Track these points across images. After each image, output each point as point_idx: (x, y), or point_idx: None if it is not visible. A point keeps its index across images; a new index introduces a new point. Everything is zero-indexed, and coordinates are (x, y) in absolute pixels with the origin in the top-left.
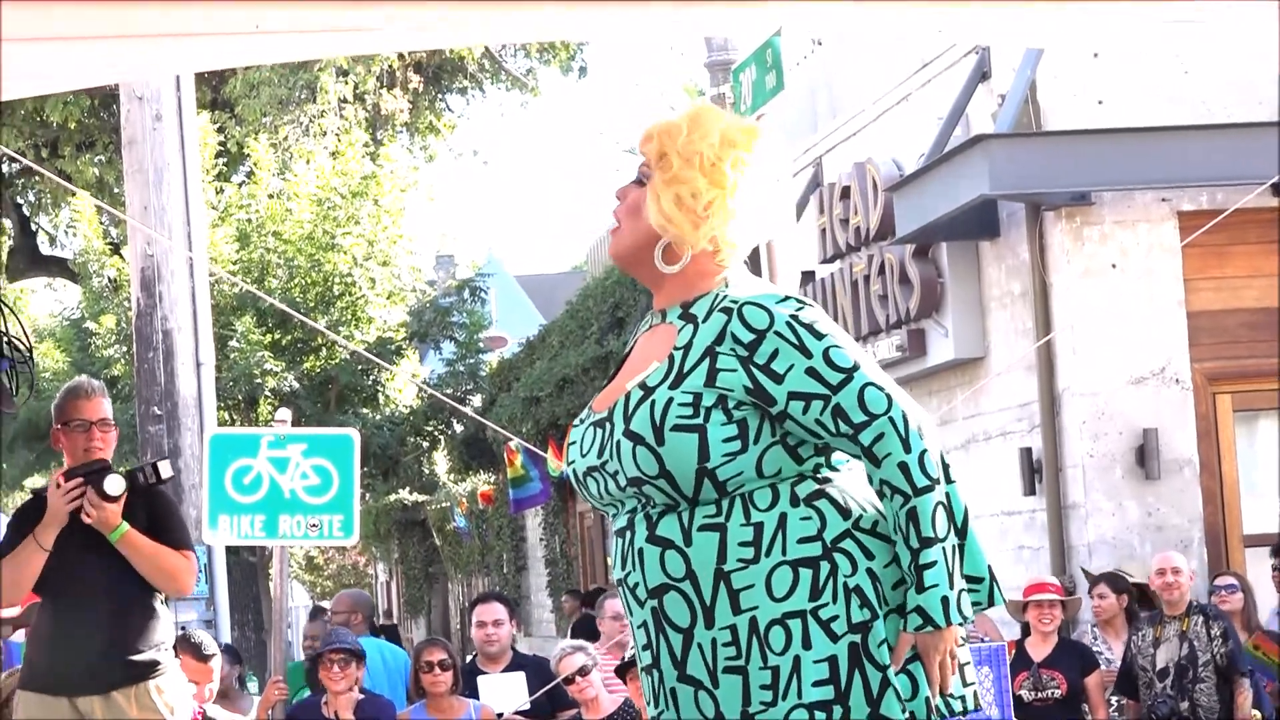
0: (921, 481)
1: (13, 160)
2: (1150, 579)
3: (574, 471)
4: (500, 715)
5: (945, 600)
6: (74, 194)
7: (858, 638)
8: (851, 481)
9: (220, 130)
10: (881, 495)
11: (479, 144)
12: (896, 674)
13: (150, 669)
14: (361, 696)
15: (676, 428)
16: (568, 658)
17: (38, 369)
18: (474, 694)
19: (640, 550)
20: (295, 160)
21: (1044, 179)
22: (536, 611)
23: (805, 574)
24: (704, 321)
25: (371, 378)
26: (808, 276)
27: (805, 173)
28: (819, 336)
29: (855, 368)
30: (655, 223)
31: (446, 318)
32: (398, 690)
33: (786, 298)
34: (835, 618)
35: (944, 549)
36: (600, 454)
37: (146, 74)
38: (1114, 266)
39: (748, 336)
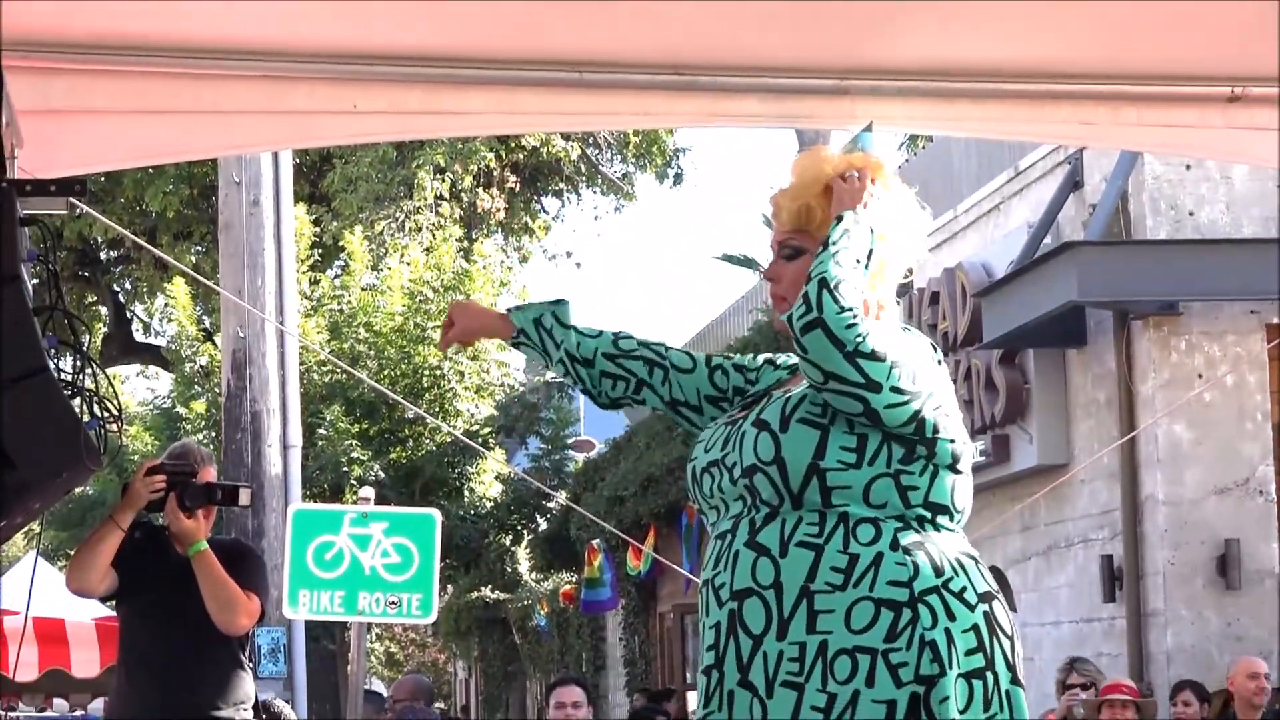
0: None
1: (115, 245)
2: (1231, 680)
3: (693, 470)
4: None
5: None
6: (170, 280)
7: (921, 689)
8: (951, 544)
9: (316, 223)
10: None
11: (573, 246)
12: None
13: None
14: None
15: (803, 420)
16: None
17: (126, 451)
18: None
19: (736, 553)
20: (390, 254)
21: (1132, 288)
22: (615, 711)
23: (886, 615)
24: None
25: (457, 470)
26: None
27: None
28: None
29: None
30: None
31: (534, 413)
32: None
33: (923, 338)
34: (904, 664)
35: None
36: (724, 446)
37: (243, 150)
38: (1200, 377)
39: None
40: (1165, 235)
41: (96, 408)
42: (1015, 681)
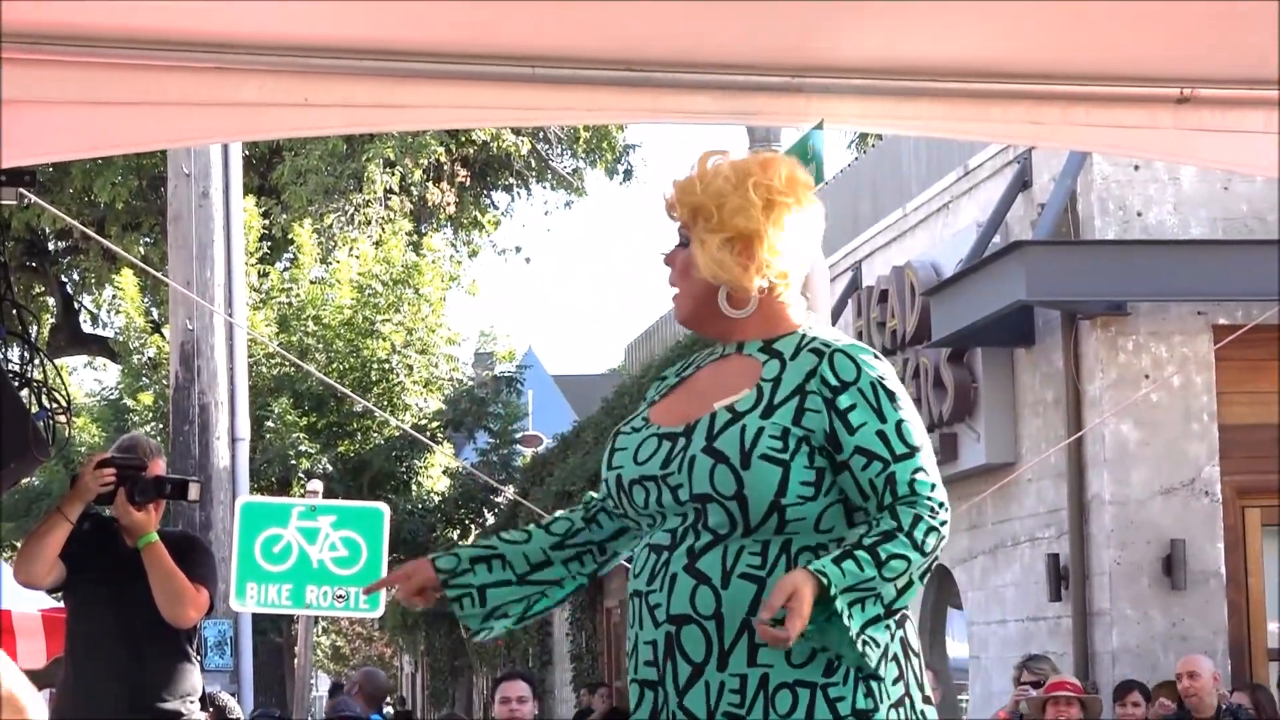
0: (913, 545)
1: (63, 235)
2: (1183, 679)
3: (619, 478)
4: None
5: (851, 586)
6: (118, 271)
7: None
8: None
9: (265, 215)
10: (874, 547)
11: (522, 241)
12: None
13: (175, 719)
14: None
15: (765, 457)
16: None
17: (73, 443)
18: None
19: (674, 576)
20: (339, 247)
21: (1081, 288)
22: (561, 707)
23: (824, 650)
24: (792, 359)
25: (405, 464)
26: None
27: (844, 276)
28: (896, 408)
29: (918, 449)
30: (709, 274)
31: (483, 408)
32: None
33: (878, 358)
34: (841, 699)
35: (877, 586)
36: (664, 465)
37: (193, 142)
38: (1147, 377)
39: (834, 382)
40: (1113, 235)
41: (45, 399)
42: (926, 700)
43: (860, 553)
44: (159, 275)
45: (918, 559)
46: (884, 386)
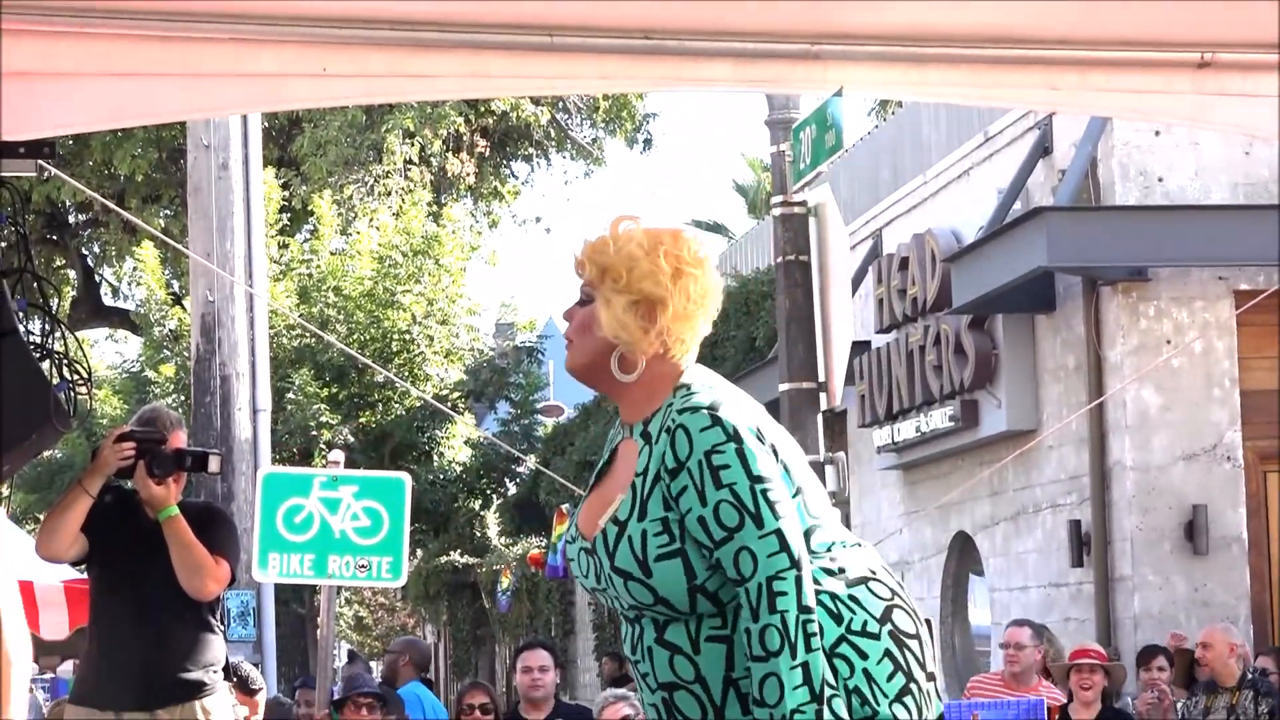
0: (757, 651)
1: (84, 208)
2: (1198, 649)
3: (585, 587)
4: None
5: None
6: (139, 243)
7: None
8: (836, 579)
9: (285, 187)
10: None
11: (542, 211)
12: None
13: (198, 689)
14: None
15: (659, 558)
16: (612, 706)
17: (94, 415)
18: None
19: (650, 648)
20: (359, 218)
21: (1102, 254)
22: (582, 676)
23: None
24: (655, 443)
25: (426, 435)
26: (862, 346)
27: (865, 243)
28: (719, 485)
29: (739, 527)
30: (610, 333)
31: (504, 378)
32: None
33: (713, 425)
34: (839, 717)
35: (770, 714)
36: (598, 581)
37: (213, 113)
38: (1169, 343)
39: (671, 464)
40: (1134, 201)
41: (66, 370)
42: (929, 677)
43: (757, 714)
44: (179, 247)
45: (780, 627)
46: (709, 464)
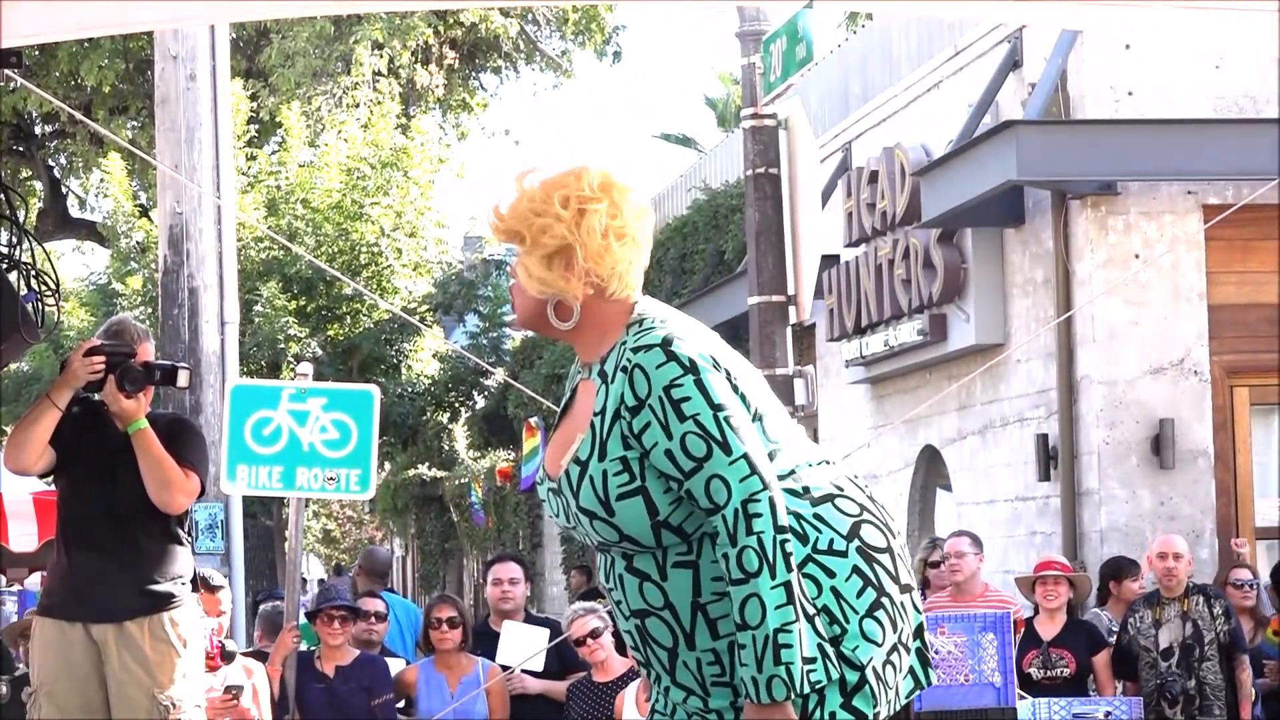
0: (736, 574)
1: (50, 119)
2: (1149, 560)
3: (559, 524)
4: (510, 669)
5: (755, 680)
6: (105, 155)
7: (832, 649)
8: (801, 503)
9: (253, 98)
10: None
11: (511, 124)
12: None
13: (165, 601)
14: (357, 653)
15: (620, 497)
16: (580, 620)
17: (62, 328)
18: (491, 648)
19: (621, 576)
20: (327, 130)
21: (1071, 167)
22: (550, 589)
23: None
24: (612, 382)
25: (394, 348)
26: (831, 260)
27: (834, 157)
28: (682, 418)
29: (707, 456)
30: (535, 292)
31: (472, 291)
32: (408, 643)
33: (668, 360)
34: (822, 636)
35: (753, 636)
36: (568, 520)
37: (182, 23)
38: (1137, 257)
39: (632, 402)
40: (1104, 115)
41: (34, 281)
42: (904, 589)
43: (740, 639)
44: (147, 158)
45: (757, 548)
46: (670, 397)
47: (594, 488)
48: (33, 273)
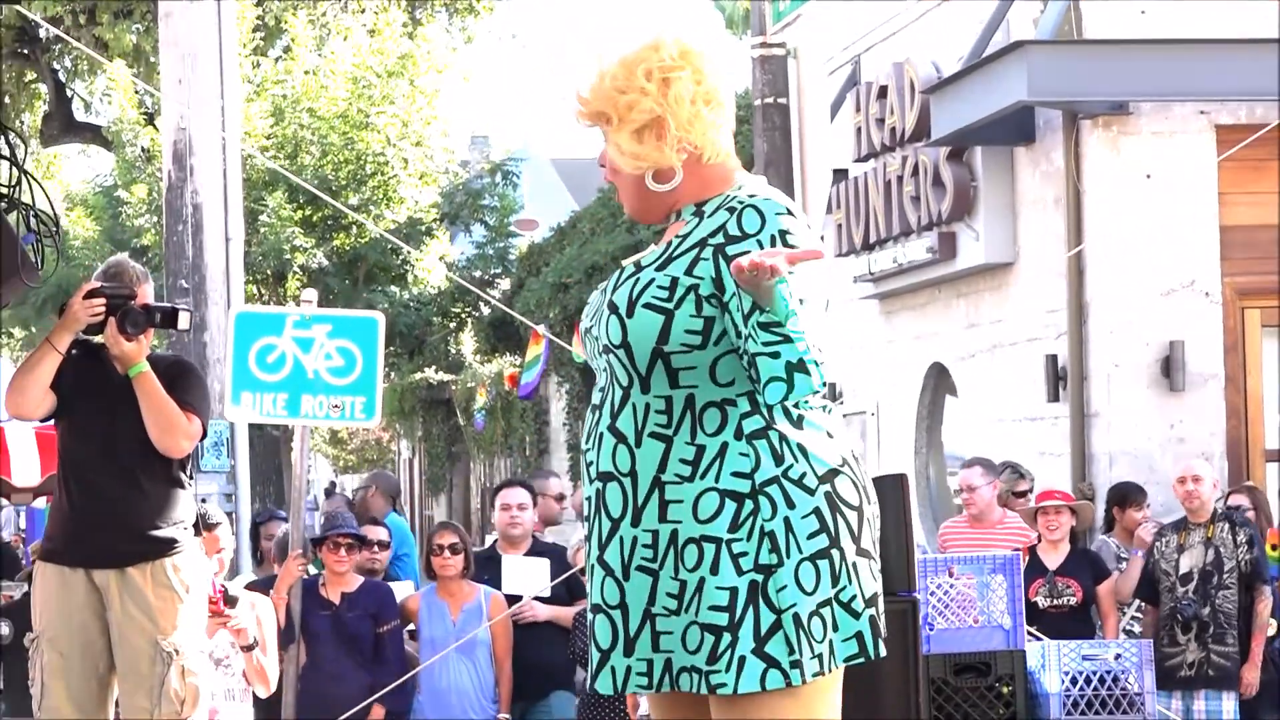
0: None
1: (55, 22)
2: (1173, 486)
3: (583, 330)
4: (520, 599)
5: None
6: (111, 59)
7: (760, 578)
8: (795, 432)
9: (259, 4)
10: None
11: (518, 28)
12: (809, 617)
13: (168, 546)
14: (362, 580)
15: (648, 305)
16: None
17: (68, 237)
18: (496, 576)
19: (601, 435)
20: (333, 37)
21: (1082, 87)
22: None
23: (730, 505)
24: (710, 216)
25: (401, 257)
26: (840, 174)
27: (843, 70)
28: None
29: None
30: (630, 169)
31: (478, 200)
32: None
33: (791, 213)
34: (744, 554)
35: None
36: (591, 317)
37: None
38: (1148, 177)
39: (735, 233)
40: (1116, 35)
41: (33, 221)
42: (861, 552)
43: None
44: (148, 88)
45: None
46: (785, 240)
47: (633, 288)
48: (32, 213)
